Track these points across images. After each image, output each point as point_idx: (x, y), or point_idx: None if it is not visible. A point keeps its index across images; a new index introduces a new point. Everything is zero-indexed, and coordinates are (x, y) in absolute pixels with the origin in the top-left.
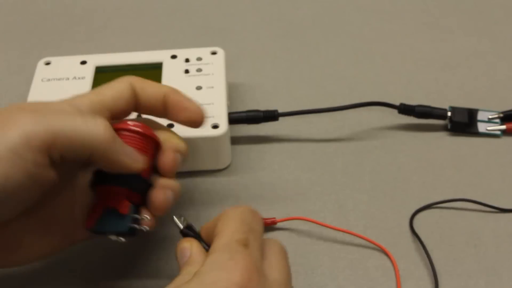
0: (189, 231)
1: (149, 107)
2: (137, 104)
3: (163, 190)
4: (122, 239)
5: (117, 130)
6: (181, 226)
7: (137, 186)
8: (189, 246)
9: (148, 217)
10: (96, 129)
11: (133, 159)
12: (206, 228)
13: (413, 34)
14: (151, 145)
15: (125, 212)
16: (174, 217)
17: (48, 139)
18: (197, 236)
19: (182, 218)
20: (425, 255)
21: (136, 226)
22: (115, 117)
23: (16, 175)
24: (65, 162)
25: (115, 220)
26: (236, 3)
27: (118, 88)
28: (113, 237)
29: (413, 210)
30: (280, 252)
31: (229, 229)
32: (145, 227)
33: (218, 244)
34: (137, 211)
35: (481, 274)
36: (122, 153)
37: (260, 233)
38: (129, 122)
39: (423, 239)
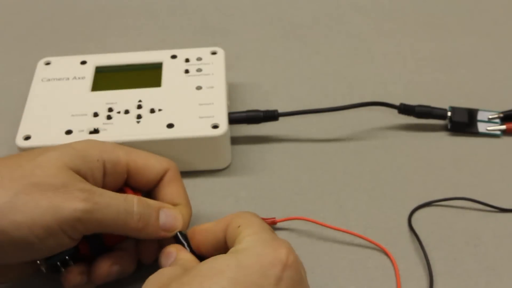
0: (181, 237)
1: (154, 196)
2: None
3: (113, 262)
4: (43, 269)
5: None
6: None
7: (95, 242)
8: (175, 250)
9: (72, 264)
10: (146, 236)
11: (169, 230)
12: (207, 229)
13: (413, 34)
14: None
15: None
16: None
17: (92, 228)
18: (188, 243)
19: None
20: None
21: (59, 265)
22: (130, 183)
23: (51, 241)
24: None
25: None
26: (236, 3)
27: (151, 165)
28: (39, 265)
29: (419, 205)
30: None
31: (255, 220)
32: (62, 270)
33: (252, 229)
34: (74, 259)
35: (481, 274)
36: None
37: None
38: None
39: (423, 238)
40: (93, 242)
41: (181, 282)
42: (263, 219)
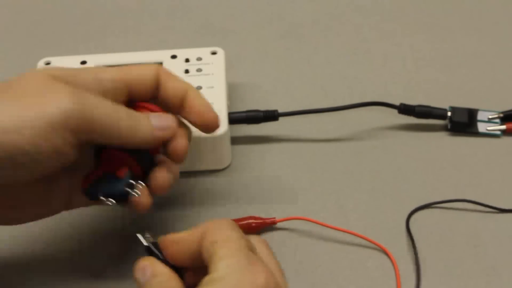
0: (154, 249)
1: (167, 101)
2: (156, 94)
3: (166, 170)
4: (113, 201)
5: (138, 108)
6: (145, 244)
7: (142, 159)
8: (149, 264)
9: (142, 184)
10: (142, 135)
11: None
12: (179, 240)
13: (413, 34)
14: None
15: (121, 176)
16: (138, 235)
17: (85, 126)
18: (161, 255)
19: (147, 235)
20: (423, 254)
21: (129, 190)
22: (132, 99)
23: (45, 147)
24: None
25: (110, 182)
26: (236, 3)
27: (143, 73)
28: (105, 200)
29: (418, 207)
30: (264, 243)
31: (232, 236)
32: (138, 193)
33: (229, 250)
34: (134, 180)
35: (481, 274)
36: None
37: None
38: (150, 105)
39: (422, 239)
40: (143, 159)
41: None
42: (263, 219)
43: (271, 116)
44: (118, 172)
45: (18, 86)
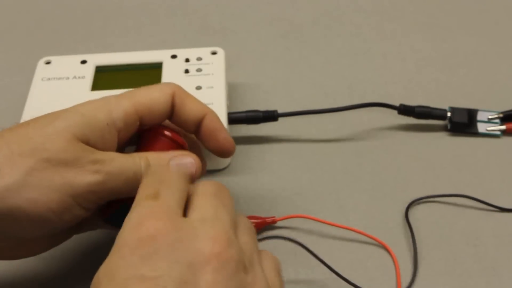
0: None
1: (183, 123)
2: (171, 116)
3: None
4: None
5: (156, 134)
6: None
7: None
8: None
9: None
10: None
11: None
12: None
13: (413, 34)
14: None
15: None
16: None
17: (105, 197)
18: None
19: None
20: (422, 248)
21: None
22: (145, 124)
23: (67, 215)
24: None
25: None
26: (236, 3)
27: (156, 97)
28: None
29: (416, 199)
30: (204, 195)
31: (141, 186)
32: None
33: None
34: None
35: (481, 274)
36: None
37: (174, 181)
38: (171, 133)
39: (422, 237)
40: None
41: None
42: (263, 218)
43: (271, 116)
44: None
45: (43, 150)
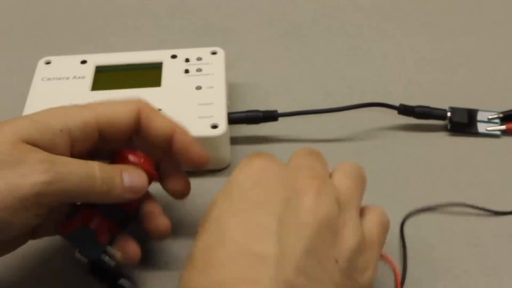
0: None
1: (151, 140)
2: (138, 132)
3: (162, 216)
4: (85, 260)
5: (121, 158)
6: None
7: (118, 216)
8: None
9: (119, 255)
10: (114, 197)
11: (135, 192)
12: None
13: (413, 34)
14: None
15: (102, 241)
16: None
17: (58, 197)
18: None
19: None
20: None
21: (105, 259)
22: (108, 138)
23: (15, 222)
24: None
25: (89, 241)
26: (236, 3)
27: (119, 111)
28: (78, 254)
29: (413, 210)
30: (301, 151)
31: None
32: (112, 264)
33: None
34: (112, 240)
35: (481, 274)
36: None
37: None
38: (134, 157)
39: (422, 239)
40: (117, 218)
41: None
42: None
43: (271, 116)
44: (99, 237)
45: None
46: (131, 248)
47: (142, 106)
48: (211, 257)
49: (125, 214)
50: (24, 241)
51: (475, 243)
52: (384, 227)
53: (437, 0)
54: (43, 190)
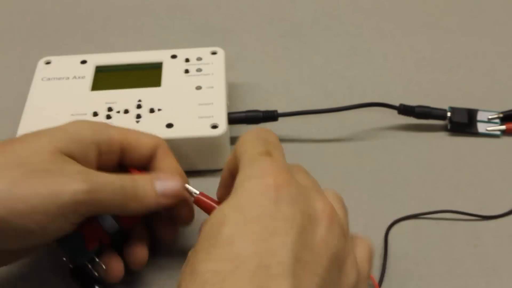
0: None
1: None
2: (148, 165)
3: (145, 245)
4: (71, 266)
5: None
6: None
7: (113, 231)
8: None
9: (104, 266)
10: (146, 205)
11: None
12: (227, 165)
13: (413, 34)
14: None
15: (90, 248)
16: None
17: (93, 207)
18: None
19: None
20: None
21: (90, 266)
22: (125, 161)
23: (52, 228)
24: None
25: (77, 247)
26: (236, 3)
27: (141, 140)
28: (65, 258)
29: (414, 210)
30: (302, 169)
31: (248, 147)
32: (95, 274)
33: (243, 163)
34: (100, 252)
35: (481, 274)
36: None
37: (278, 145)
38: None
39: (422, 238)
40: (111, 230)
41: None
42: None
43: (271, 116)
44: (88, 243)
45: (28, 163)
46: (116, 265)
47: (160, 144)
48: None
49: (120, 228)
50: (34, 248)
51: (475, 243)
52: (372, 263)
53: (437, 0)
54: (82, 199)
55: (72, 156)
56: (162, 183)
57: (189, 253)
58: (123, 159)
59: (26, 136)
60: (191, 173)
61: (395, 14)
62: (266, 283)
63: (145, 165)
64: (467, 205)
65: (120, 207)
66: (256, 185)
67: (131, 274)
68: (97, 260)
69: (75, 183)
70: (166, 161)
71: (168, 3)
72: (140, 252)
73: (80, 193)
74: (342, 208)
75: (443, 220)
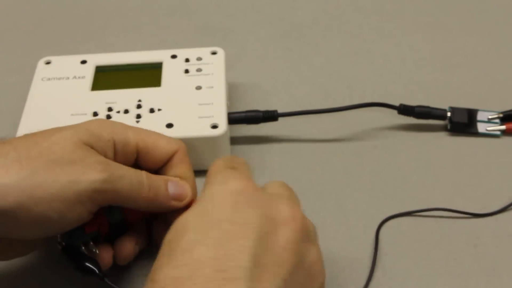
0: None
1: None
2: (163, 167)
3: (135, 242)
4: (63, 243)
5: None
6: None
7: (115, 221)
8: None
9: (97, 251)
10: (159, 205)
11: (180, 199)
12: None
13: (413, 34)
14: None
15: (87, 231)
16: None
17: (110, 197)
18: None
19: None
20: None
21: (84, 248)
22: (141, 162)
23: (70, 216)
24: None
25: (74, 230)
26: (236, 3)
27: (159, 145)
28: (59, 244)
29: (414, 210)
30: (279, 182)
31: (214, 166)
32: (85, 254)
33: (208, 176)
34: (97, 239)
35: (481, 274)
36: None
37: (244, 164)
38: None
39: (421, 237)
40: (113, 220)
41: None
42: None
43: (271, 116)
44: (87, 226)
45: (50, 153)
46: (106, 254)
47: (180, 148)
48: None
49: (122, 221)
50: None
51: (475, 242)
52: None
53: (437, 0)
54: (99, 187)
55: (93, 149)
56: (174, 187)
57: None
58: (139, 161)
59: (48, 130)
60: None
61: (395, 14)
62: (222, 287)
63: (160, 167)
64: (467, 205)
65: (133, 200)
66: (218, 191)
67: (122, 267)
68: (91, 243)
69: (94, 172)
70: (180, 169)
71: (168, 3)
72: (127, 248)
73: (98, 182)
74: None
75: (439, 218)
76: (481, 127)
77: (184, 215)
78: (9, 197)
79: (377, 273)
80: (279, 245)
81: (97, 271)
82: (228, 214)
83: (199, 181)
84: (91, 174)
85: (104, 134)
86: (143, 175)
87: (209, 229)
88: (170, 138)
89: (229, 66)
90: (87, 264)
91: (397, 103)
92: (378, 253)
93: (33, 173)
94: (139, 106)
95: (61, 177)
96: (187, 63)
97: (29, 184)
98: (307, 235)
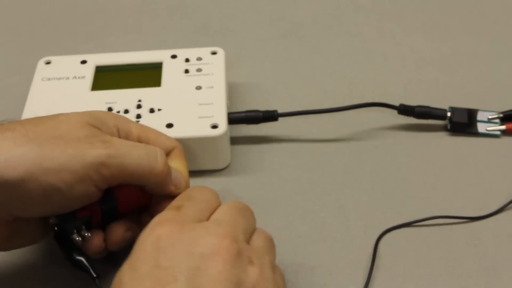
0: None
1: None
2: None
3: (125, 229)
4: (56, 228)
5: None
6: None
7: (107, 208)
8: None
9: (89, 234)
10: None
11: (177, 187)
12: None
13: (413, 34)
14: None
15: (79, 216)
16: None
17: (116, 173)
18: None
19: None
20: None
21: (75, 231)
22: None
23: (78, 189)
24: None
25: (66, 214)
26: (236, 3)
27: (159, 140)
28: (53, 218)
29: (413, 210)
30: (233, 204)
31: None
32: (78, 242)
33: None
34: (88, 225)
35: (481, 274)
36: (170, 184)
37: (200, 199)
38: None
39: (422, 237)
40: (106, 207)
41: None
42: None
43: (271, 116)
44: (78, 211)
45: (56, 129)
46: (97, 239)
47: (177, 147)
48: None
49: (115, 209)
50: (43, 236)
51: (475, 243)
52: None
53: (437, 0)
54: (105, 161)
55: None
56: (174, 173)
57: None
58: None
59: (54, 114)
60: (191, 173)
61: (395, 14)
62: None
63: None
64: (467, 205)
65: (144, 177)
66: (144, 239)
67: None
68: (83, 227)
69: (99, 148)
70: (176, 163)
71: (168, 3)
72: (118, 232)
73: (103, 156)
74: (263, 237)
75: (439, 223)
76: (481, 127)
77: (119, 273)
78: (18, 168)
79: (377, 273)
80: (212, 278)
81: (90, 270)
82: (156, 260)
83: (199, 181)
84: (96, 149)
85: (109, 121)
86: (157, 149)
87: (140, 280)
88: (169, 137)
89: (229, 66)
90: (77, 257)
91: (397, 103)
92: (378, 253)
93: (41, 145)
94: (139, 106)
95: (68, 150)
96: (187, 63)
97: (37, 154)
98: (239, 259)
